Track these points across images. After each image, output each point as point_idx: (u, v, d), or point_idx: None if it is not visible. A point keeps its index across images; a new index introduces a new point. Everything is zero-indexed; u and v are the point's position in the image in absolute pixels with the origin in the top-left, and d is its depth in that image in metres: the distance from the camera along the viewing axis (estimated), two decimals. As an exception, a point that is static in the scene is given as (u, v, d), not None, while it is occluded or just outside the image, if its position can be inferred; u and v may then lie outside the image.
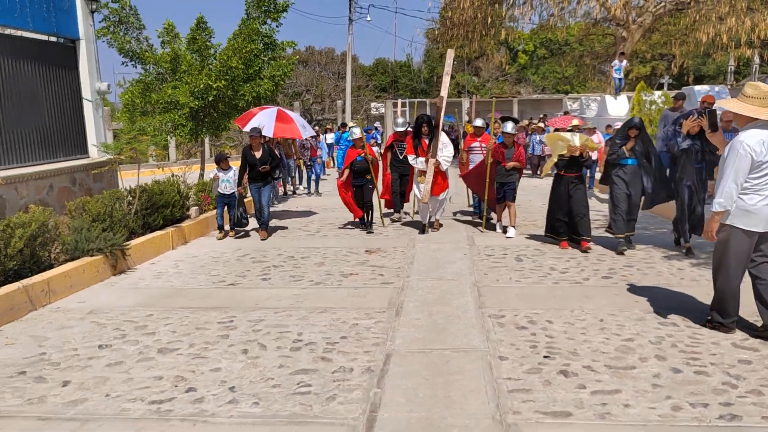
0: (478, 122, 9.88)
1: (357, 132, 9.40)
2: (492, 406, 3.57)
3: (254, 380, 4.03)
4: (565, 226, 7.81)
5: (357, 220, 9.63)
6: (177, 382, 4.03)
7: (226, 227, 9.13)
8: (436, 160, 8.67)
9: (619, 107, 17.46)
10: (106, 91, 9.42)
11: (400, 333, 4.85)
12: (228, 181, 8.93)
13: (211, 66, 11.23)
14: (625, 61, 19.57)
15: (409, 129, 9.83)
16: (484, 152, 9.16)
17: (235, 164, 9.32)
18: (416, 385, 3.89)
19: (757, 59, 21.22)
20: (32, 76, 8.17)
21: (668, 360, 4.20)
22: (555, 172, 8.07)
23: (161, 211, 8.50)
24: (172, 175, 9.51)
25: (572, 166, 7.73)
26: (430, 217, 9.11)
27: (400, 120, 10.10)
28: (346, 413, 3.54)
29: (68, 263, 6.42)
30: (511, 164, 8.53)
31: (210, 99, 11.02)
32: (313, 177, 14.69)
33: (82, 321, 5.39)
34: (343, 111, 31.38)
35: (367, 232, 9.19)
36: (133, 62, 11.78)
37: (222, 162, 8.99)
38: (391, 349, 4.51)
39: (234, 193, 8.97)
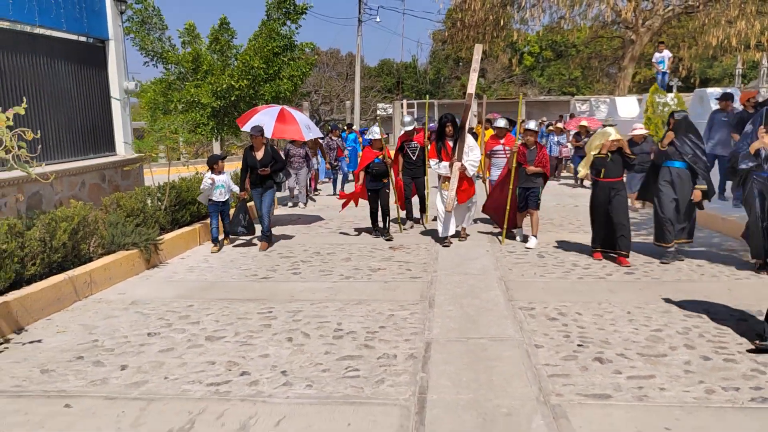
0: (501, 122, 9.28)
1: (377, 131, 8.68)
2: (534, 389, 3.77)
3: (303, 365, 4.24)
4: (603, 237, 7.15)
5: (372, 226, 8.95)
6: (230, 367, 4.24)
7: (221, 237, 8.41)
8: (462, 164, 8.01)
9: (629, 109, 17.64)
10: (133, 90, 9.65)
11: (435, 323, 5.05)
12: (222, 186, 8.15)
13: (233, 66, 11.44)
14: (666, 51, 17.80)
15: (417, 127, 9.47)
16: (508, 155, 8.62)
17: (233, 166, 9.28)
18: (459, 370, 4.09)
19: (765, 62, 21.36)
20: (65, 75, 8.39)
21: (697, 348, 4.39)
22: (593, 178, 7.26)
23: (188, 207, 8.72)
24: (197, 173, 9.71)
25: (612, 170, 6.93)
26: (456, 226, 8.36)
27: (407, 118, 9.33)
28: (397, 395, 3.74)
29: (106, 257, 6.64)
30: (532, 169, 7.85)
31: (232, 99, 11.24)
32: (340, 177, 14.94)
33: (126, 311, 5.60)
34: (352, 111, 31.59)
35: (386, 239, 8.57)
36: (154, 62, 12.02)
37: (216, 164, 8.17)
38: (430, 338, 4.71)
39: (228, 199, 8.30)
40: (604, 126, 8.83)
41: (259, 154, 8.13)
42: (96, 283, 6.19)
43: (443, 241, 8.20)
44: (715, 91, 12.34)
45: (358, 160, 16.27)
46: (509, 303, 5.58)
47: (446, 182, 8.11)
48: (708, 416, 3.40)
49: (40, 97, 7.78)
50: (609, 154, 6.91)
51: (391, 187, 8.74)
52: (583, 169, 7.31)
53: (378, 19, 26.97)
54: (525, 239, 8.25)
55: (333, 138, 14.97)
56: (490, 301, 5.65)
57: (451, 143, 8.13)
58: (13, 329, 5.01)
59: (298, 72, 12.26)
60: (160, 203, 8.24)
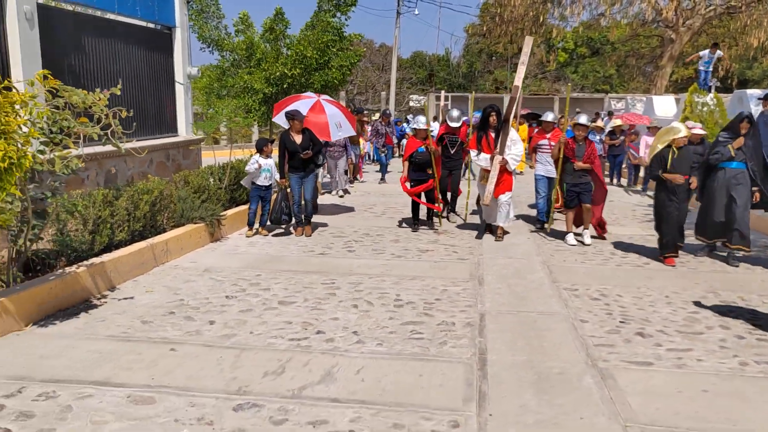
0: (550, 116, 9.03)
1: (423, 121, 8.62)
2: (582, 355, 4.21)
3: (371, 327, 4.73)
4: (673, 240, 6.85)
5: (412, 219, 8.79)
6: (306, 326, 4.75)
7: (257, 225, 8.23)
8: (503, 158, 7.80)
9: (666, 108, 17.77)
10: (195, 76, 10.22)
11: (487, 298, 5.51)
12: (268, 171, 8.06)
13: (285, 55, 11.97)
14: (719, 52, 17.25)
15: (462, 123, 9.25)
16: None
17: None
18: (512, 337, 4.55)
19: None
20: (139, 59, 9.00)
21: (731, 329, 4.78)
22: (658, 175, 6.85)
23: (245, 187, 9.25)
24: (251, 155, 10.27)
25: (679, 168, 6.64)
26: (493, 220, 8.14)
27: (455, 113, 9.16)
28: (459, 354, 4.22)
29: (177, 228, 7.21)
30: (581, 165, 7.64)
31: (284, 86, 11.77)
32: (384, 162, 14.66)
33: (201, 277, 6.16)
34: (387, 102, 32.04)
35: (434, 230, 8.64)
36: (210, 49, 12.62)
37: (265, 147, 8.12)
38: (483, 310, 5.17)
39: (271, 185, 8.14)
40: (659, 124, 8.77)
41: (299, 138, 7.96)
42: (170, 252, 6.77)
43: (482, 230, 8.40)
44: (755, 92, 12.50)
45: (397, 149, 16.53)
46: (553, 284, 6.01)
47: (485, 177, 7.91)
48: (742, 383, 3.81)
49: (117, 78, 8.37)
50: (676, 150, 6.65)
51: (435, 179, 8.56)
52: (647, 160, 7.19)
53: (417, 12, 27.26)
54: (581, 240, 7.86)
55: (382, 124, 14.77)
56: (535, 282, 6.08)
57: (493, 135, 7.94)
58: (107, 287, 5.60)
59: (346, 62, 12.74)
60: (220, 182, 8.81)
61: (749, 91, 12.64)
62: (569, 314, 5.10)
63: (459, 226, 9.14)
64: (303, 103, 8.79)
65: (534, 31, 21.72)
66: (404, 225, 9.04)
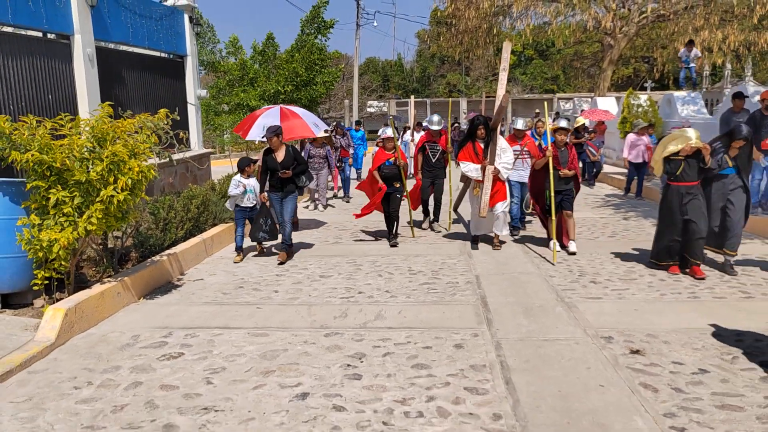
0: (520, 123, 9.04)
1: (389, 132, 8.48)
2: (554, 295, 5.94)
3: (398, 287, 6.35)
4: (678, 247, 6.63)
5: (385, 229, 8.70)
6: (348, 290, 6.34)
7: (253, 244, 8.11)
8: (495, 167, 7.78)
9: (608, 107, 19.91)
10: (204, 97, 11.62)
11: (477, 266, 7.20)
12: (252, 192, 7.81)
13: (279, 73, 13.50)
14: (695, 50, 17.07)
15: (444, 129, 9.56)
16: (525, 156, 8.70)
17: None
18: (502, 288, 6.24)
19: (728, 66, 23.87)
20: (161, 85, 10.39)
21: (657, 276, 6.59)
22: (665, 181, 6.83)
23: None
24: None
25: (689, 173, 6.44)
26: (488, 230, 8.15)
27: (435, 118, 9.34)
28: (467, 299, 5.89)
29: (215, 227, 8.68)
30: (567, 173, 7.61)
31: (278, 101, 13.28)
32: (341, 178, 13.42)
33: (247, 263, 7.66)
34: (350, 110, 33.63)
35: (391, 245, 8.33)
36: (206, 70, 14.02)
37: (247, 167, 7.81)
38: (477, 274, 6.86)
39: (256, 205, 7.84)
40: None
41: (280, 156, 7.58)
42: (214, 245, 8.24)
43: (474, 241, 8.28)
44: (681, 94, 14.61)
45: (364, 159, 15.65)
46: (526, 255, 7.75)
47: (477, 187, 7.90)
48: (661, 305, 5.60)
49: (147, 102, 9.76)
50: (684, 158, 6.44)
51: (403, 191, 8.47)
52: (657, 167, 6.69)
53: (375, 24, 28.91)
54: (563, 246, 7.92)
55: (337, 136, 13.27)
56: (511, 254, 7.81)
57: (482, 145, 7.95)
58: (179, 273, 7.06)
59: (329, 78, 14.33)
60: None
61: (676, 93, 14.73)
62: (541, 273, 6.83)
63: (444, 235, 9.09)
64: (270, 116, 8.62)
65: (488, 41, 23.71)
66: (370, 238, 8.97)
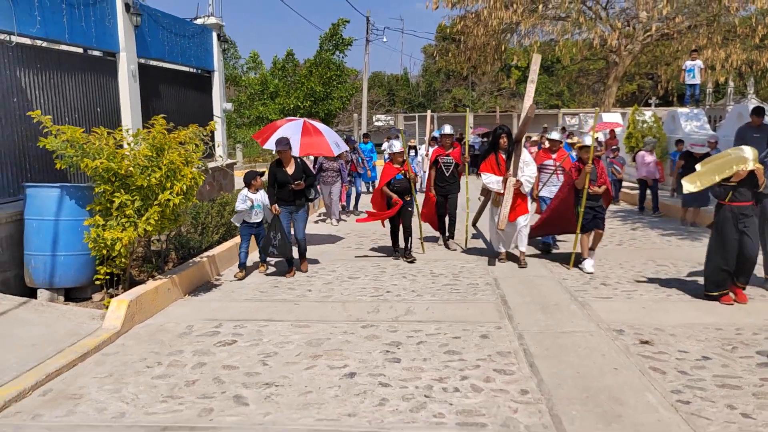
0: (555, 135, 8.75)
1: (397, 145, 8.44)
2: (568, 296, 6.44)
3: (422, 288, 6.86)
4: (727, 277, 6.05)
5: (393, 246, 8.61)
6: (377, 289, 6.85)
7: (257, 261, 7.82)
8: (518, 180, 7.61)
9: (614, 123, 20.44)
10: (229, 111, 12.20)
11: (494, 270, 7.69)
12: (259, 207, 7.52)
13: (299, 88, 14.11)
14: (698, 61, 16.65)
15: (457, 140, 9.84)
16: (559, 172, 8.43)
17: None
18: (520, 289, 6.74)
19: (731, 83, 24.46)
20: (192, 98, 10.98)
21: (661, 277, 7.08)
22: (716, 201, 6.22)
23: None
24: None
25: (743, 193, 5.93)
26: (509, 246, 8.09)
27: (447, 127, 9.28)
28: (487, 299, 6.40)
29: (243, 233, 9.20)
30: (597, 191, 7.43)
31: (297, 115, 13.87)
32: (353, 195, 13.33)
33: (277, 266, 8.18)
34: (359, 123, 34.30)
35: (408, 261, 8.22)
36: (228, 84, 14.63)
37: (254, 181, 7.50)
38: (495, 276, 7.36)
39: (263, 221, 7.61)
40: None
41: (290, 169, 7.47)
42: (245, 250, 8.76)
43: (497, 256, 8.09)
44: (684, 110, 15.15)
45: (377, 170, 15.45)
46: (540, 261, 8.25)
47: (498, 199, 7.76)
48: (666, 304, 6.09)
49: (180, 115, 10.34)
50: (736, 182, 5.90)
51: (414, 205, 8.41)
52: (697, 184, 5.98)
53: (385, 39, 29.59)
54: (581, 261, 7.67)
55: (347, 151, 12.15)
56: (527, 260, 8.31)
57: (504, 156, 7.78)
58: (217, 273, 7.58)
59: (345, 93, 14.93)
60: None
61: (679, 110, 15.28)
62: (554, 276, 7.34)
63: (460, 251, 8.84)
64: (291, 128, 8.37)
65: (496, 58, 24.36)
66: (381, 259, 8.47)
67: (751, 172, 5.81)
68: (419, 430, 3.63)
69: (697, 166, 6.23)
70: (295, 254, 7.82)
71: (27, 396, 4.07)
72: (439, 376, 4.36)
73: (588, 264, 7.49)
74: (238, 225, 7.70)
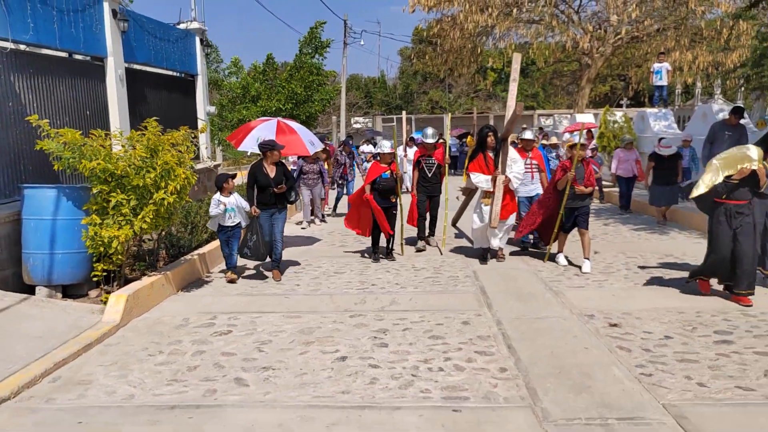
0: (528, 134, 8.90)
1: (387, 145, 8.39)
2: (543, 286, 6.83)
3: (406, 281, 7.20)
4: (724, 272, 6.10)
5: (371, 246, 8.53)
6: (362, 283, 7.17)
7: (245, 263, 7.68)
8: (506, 177, 7.72)
9: (589, 123, 21.02)
10: (213, 113, 12.43)
11: (473, 264, 8.07)
12: (233, 210, 7.29)
13: (280, 91, 14.38)
14: (665, 63, 17.14)
15: (440, 141, 9.73)
16: (534, 170, 8.65)
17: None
18: (497, 281, 7.12)
19: (699, 84, 25.27)
20: (176, 102, 11.20)
21: (631, 270, 7.51)
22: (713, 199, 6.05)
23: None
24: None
25: (741, 191, 5.93)
26: (497, 241, 8.05)
27: (429, 131, 9.15)
28: (467, 289, 6.76)
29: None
30: (583, 190, 7.51)
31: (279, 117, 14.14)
32: (341, 194, 12.98)
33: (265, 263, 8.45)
34: (338, 126, 34.56)
35: (389, 260, 8.34)
36: (210, 88, 14.84)
37: (226, 184, 7.24)
38: (474, 269, 7.73)
39: (240, 223, 7.39)
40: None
41: (272, 171, 7.36)
42: (233, 248, 9.01)
43: (488, 252, 8.11)
44: (653, 110, 15.72)
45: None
46: (518, 256, 8.64)
47: (487, 197, 7.86)
48: (634, 291, 6.52)
49: (165, 118, 10.54)
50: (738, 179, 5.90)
51: (399, 206, 8.39)
52: (703, 186, 5.96)
53: (362, 43, 29.94)
54: (569, 263, 7.91)
55: (344, 153, 12.97)
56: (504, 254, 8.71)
57: (491, 155, 7.89)
58: (207, 270, 7.84)
59: (326, 96, 15.23)
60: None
61: (648, 110, 15.86)
62: (530, 268, 7.74)
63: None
64: (265, 128, 8.19)
65: (472, 60, 24.85)
66: (365, 255, 8.68)
67: (753, 172, 5.83)
68: (408, 403, 3.97)
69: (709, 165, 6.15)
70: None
71: (38, 383, 4.32)
72: (425, 357, 4.71)
73: (586, 265, 7.53)
74: (214, 230, 7.56)
